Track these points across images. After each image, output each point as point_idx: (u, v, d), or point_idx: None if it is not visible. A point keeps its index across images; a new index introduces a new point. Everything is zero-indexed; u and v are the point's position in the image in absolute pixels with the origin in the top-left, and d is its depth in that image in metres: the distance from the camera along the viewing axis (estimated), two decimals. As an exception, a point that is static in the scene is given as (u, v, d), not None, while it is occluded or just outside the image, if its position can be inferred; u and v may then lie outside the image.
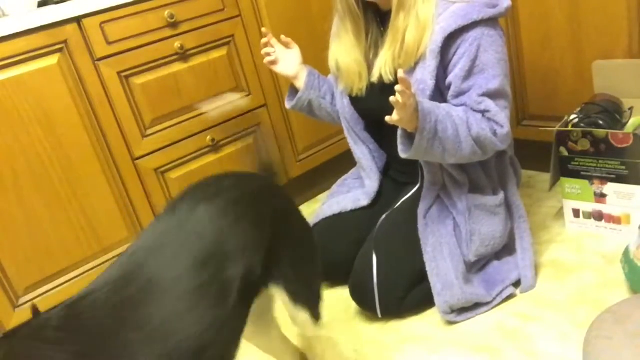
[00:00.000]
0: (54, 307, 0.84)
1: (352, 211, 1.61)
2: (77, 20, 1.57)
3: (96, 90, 1.63)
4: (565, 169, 1.59)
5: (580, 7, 1.62)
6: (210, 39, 1.83)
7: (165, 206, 1.02)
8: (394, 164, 1.60)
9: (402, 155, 1.28)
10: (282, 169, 2.08)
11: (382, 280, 1.41)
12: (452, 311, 1.40)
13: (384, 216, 1.51)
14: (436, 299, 1.39)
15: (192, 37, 1.78)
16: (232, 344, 0.92)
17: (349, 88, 1.48)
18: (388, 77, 1.35)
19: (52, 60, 1.55)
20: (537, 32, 1.74)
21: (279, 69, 1.56)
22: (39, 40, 1.52)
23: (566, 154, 1.57)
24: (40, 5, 1.72)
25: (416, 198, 1.45)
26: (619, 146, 1.46)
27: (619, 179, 1.50)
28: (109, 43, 1.63)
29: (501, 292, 1.43)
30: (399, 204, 1.51)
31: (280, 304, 1.10)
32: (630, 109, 1.55)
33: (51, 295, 1.60)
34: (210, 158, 1.89)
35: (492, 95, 1.29)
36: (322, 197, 2.22)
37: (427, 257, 1.39)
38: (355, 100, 1.51)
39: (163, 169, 1.80)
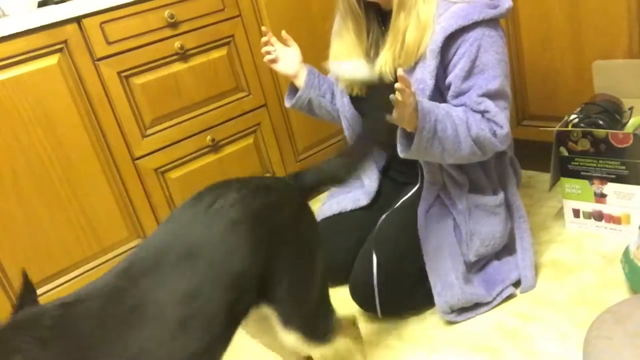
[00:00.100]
0: (53, 301, 0.86)
1: (352, 211, 1.61)
2: (77, 20, 1.57)
3: (96, 90, 1.63)
4: (565, 169, 1.59)
5: (580, 7, 1.62)
6: (210, 39, 1.83)
7: (169, 214, 1.03)
8: (394, 163, 1.60)
9: (401, 154, 1.28)
10: (282, 169, 2.09)
11: (382, 280, 1.41)
12: (452, 311, 1.40)
13: (384, 216, 1.50)
14: (436, 299, 1.39)
15: (192, 37, 1.79)
16: None
17: (349, 87, 1.48)
18: (388, 77, 1.35)
19: (52, 60, 1.55)
20: (537, 32, 1.74)
21: (279, 67, 1.56)
22: (39, 40, 1.52)
23: (566, 154, 1.57)
24: (40, 5, 1.72)
25: (416, 198, 1.45)
26: (619, 146, 1.46)
27: (619, 179, 1.50)
28: (109, 43, 1.63)
29: (501, 292, 1.43)
30: (398, 203, 1.51)
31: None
32: (630, 109, 1.55)
33: (51, 295, 1.60)
34: (210, 158, 1.89)
35: (492, 95, 1.29)
36: (322, 197, 2.22)
37: (427, 257, 1.39)
38: (355, 100, 1.51)
39: (163, 169, 1.80)
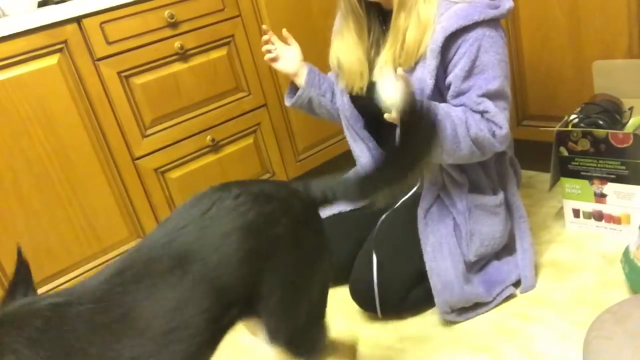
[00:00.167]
0: (47, 294, 0.90)
1: (351, 211, 1.61)
2: (77, 20, 1.57)
3: (96, 90, 1.63)
4: (565, 169, 1.59)
5: (580, 7, 1.62)
6: (210, 39, 1.83)
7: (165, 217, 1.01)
8: (394, 163, 1.60)
9: None
10: (282, 169, 2.09)
11: (382, 280, 1.41)
12: (452, 311, 1.40)
13: (383, 216, 1.51)
14: (436, 299, 1.39)
15: (192, 37, 1.78)
16: None
17: (349, 86, 1.48)
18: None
19: (52, 60, 1.55)
20: (537, 32, 1.74)
21: (279, 66, 1.56)
22: (39, 40, 1.52)
23: (566, 154, 1.57)
24: (40, 5, 1.72)
25: (416, 198, 1.45)
26: (619, 146, 1.46)
27: (619, 179, 1.50)
28: (109, 43, 1.63)
29: (501, 292, 1.43)
30: (398, 204, 1.51)
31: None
32: (630, 109, 1.55)
33: (51, 295, 1.60)
34: (210, 158, 1.89)
35: (492, 96, 1.29)
36: (322, 197, 2.22)
37: (427, 257, 1.39)
38: (355, 99, 1.51)
39: (163, 169, 1.80)
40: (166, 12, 1.71)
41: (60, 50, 1.56)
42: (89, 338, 0.85)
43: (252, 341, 1.23)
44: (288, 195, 1.02)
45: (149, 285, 0.89)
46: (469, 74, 1.28)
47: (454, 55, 1.28)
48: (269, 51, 1.54)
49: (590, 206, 1.59)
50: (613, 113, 1.52)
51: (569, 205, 1.63)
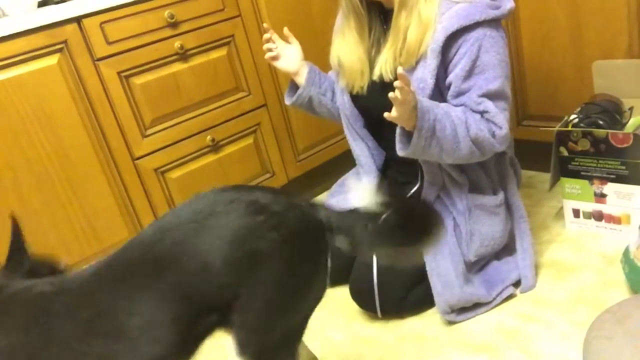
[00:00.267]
0: (42, 280, 0.96)
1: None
2: (77, 20, 1.57)
3: (96, 90, 1.63)
4: (565, 169, 1.59)
5: (580, 7, 1.62)
6: (210, 39, 1.83)
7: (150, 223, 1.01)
8: (393, 163, 1.60)
9: (400, 153, 1.28)
10: (282, 169, 2.09)
11: (382, 280, 1.41)
12: (452, 311, 1.40)
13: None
14: (436, 299, 1.39)
15: (192, 37, 1.79)
16: None
17: (350, 85, 1.48)
18: (389, 76, 1.35)
19: (52, 60, 1.55)
20: (538, 32, 1.74)
21: (280, 64, 1.56)
22: (39, 40, 1.52)
23: (566, 154, 1.57)
24: (40, 5, 1.72)
25: (416, 198, 1.45)
26: (619, 146, 1.46)
27: (619, 179, 1.50)
28: (109, 43, 1.63)
29: (501, 292, 1.43)
30: (399, 204, 1.51)
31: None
32: (630, 109, 1.55)
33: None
34: (210, 158, 1.89)
35: (492, 96, 1.29)
36: (322, 197, 2.22)
37: (427, 257, 1.39)
38: (355, 98, 1.51)
39: (163, 169, 1.80)
40: (166, 12, 1.71)
41: (60, 50, 1.56)
42: (69, 331, 0.89)
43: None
44: (285, 209, 0.95)
45: (128, 286, 0.91)
46: (470, 73, 1.28)
47: (455, 55, 1.28)
48: (269, 50, 1.54)
49: (590, 206, 1.59)
50: (613, 113, 1.52)
51: (569, 205, 1.63)
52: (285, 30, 1.56)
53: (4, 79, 1.49)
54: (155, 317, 0.89)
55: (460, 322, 1.41)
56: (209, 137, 1.86)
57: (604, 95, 1.60)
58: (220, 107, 1.88)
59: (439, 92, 1.33)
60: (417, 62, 1.33)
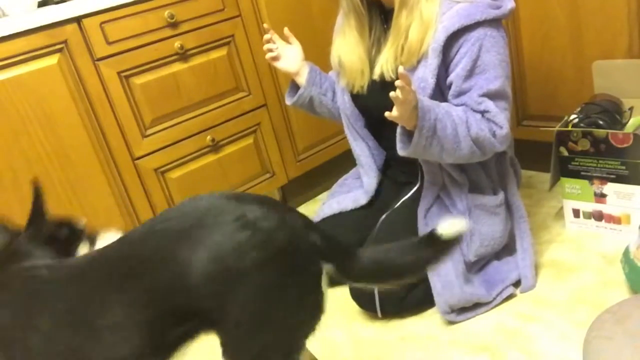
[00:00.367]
0: (45, 263, 1.00)
1: (352, 211, 1.61)
2: (77, 20, 1.57)
3: (96, 90, 1.63)
4: (565, 169, 1.59)
5: (580, 7, 1.62)
6: (210, 39, 1.83)
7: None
8: (393, 163, 1.60)
9: (401, 152, 1.28)
10: (282, 169, 2.09)
11: (382, 280, 1.41)
12: (452, 311, 1.40)
13: (384, 216, 1.51)
14: (436, 299, 1.39)
15: (192, 37, 1.78)
16: None
17: (350, 85, 1.48)
18: (389, 75, 1.35)
19: (52, 60, 1.55)
20: (538, 32, 1.74)
21: (281, 65, 1.56)
22: (39, 40, 1.52)
23: (566, 154, 1.57)
24: (40, 5, 1.72)
25: (416, 198, 1.45)
26: (619, 146, 1.46)
27: (619, 179, 1.50)
28: (109, 43, 1.63)
29: (501, 292, 1.43)
30: (399, 203, 1.51)
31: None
32: (630, 109, 1.55)
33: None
34: (210, 158, 1.89)
35: (493, 96, 1.29)
36: (322, 197, 2.22)
37: (427, 257, 1.39)
38: (356, 97, 1.51)
39: (163, 169, 1.80)
40: (166, 12, 1.71)
41: (60, 50, 1.56)
42: (47, 319, 0.92)
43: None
44: (274, 227, 0.90)
45: (105, 284, 0.92)
46: (470, 73, 1.28)
47: (456, 54, 1.29)
48: (270, 50, 1.54)
49: (590, 206, 1.59)
50: (613, 113, 1.52)
51: (569, 205, 1.63)
52: (286, 30, 1.56)
53: (4, 79, 1.49)
54: (125, 319, 0.90)
55: (460, 322, 1.41)
56: (209, 137, 1.86)
57: (604, 95, 1.60)
58: (220, 107, 1.88)
59: (440, 91, 1.33)
60: (418, 62, 1.33)
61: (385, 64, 1.36)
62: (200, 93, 1.83)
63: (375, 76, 1.40)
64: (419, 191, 1.47)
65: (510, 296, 1.44)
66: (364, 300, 1.47)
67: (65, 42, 1.56)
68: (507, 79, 1.32)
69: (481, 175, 1.41)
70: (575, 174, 1.57)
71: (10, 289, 0.97)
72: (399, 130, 1.27)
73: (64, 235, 1.10)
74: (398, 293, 1.43)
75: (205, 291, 0.87)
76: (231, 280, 0.86)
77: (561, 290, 1.43)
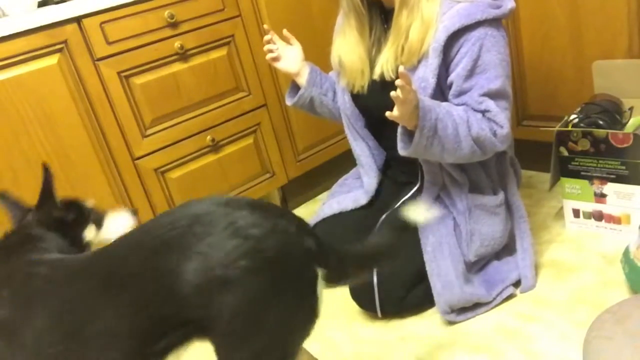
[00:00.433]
0: (49, 257, 1.01)
1: (352, 211, 1.61)
2: (77, 20, 1.57)
3: (96, 90, 1.63)
4: (565, 169, 1.59)
5: (580, 7, 1.62)
6: (210, 39, 1.83)
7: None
8: (394, 163, 1.60)
9: (401, 152, 1.28)
10: (282, 169, 2.09)
11: (382, 280, 1.41)
12: (452, 311, 1.40)
13: (384, 216, 1.51)
14: (436, 299, 1.39)
15: (192, 37, 1.78)
16: None
17: (350, 84, 1.48)
18: (390, 75, 1.35)
19: (52, 60, 1.55)
20: (538, 32, 1.74)
21: (281, 65, 1.56)
22: (39, 40, 1.52)
23: (566, 154, 1.57)
24: (40, 5, 1.72)
25: (416, 198, 1.45)
26: (619, 146, 1.46)
27: (619, 179, 1.50)
28: (109, 43, 1.63)
29: (501, 292, 1.43)
30: (399, 203, 1.51)
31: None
32: (630, 109, 1.55)
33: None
34: (210, 158, 1.89)
35: (493, 95, 1.29)
36: (322, 197, 2.22)
37: (427, 257, 1.39)
38: (356, 97, 1.51)
39: (163, 169, 1.80)
40: (166, 12, 1.71)
41: (60, 50, 1.56)
42: (40, 319, 0.93)
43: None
44: (265, 234, 0.88)
45: (98, 289, 0.92)
46: (471, 73, 1.28)
47: (456, 54, 1.29)
48: (270, 51, 1.54)
49: (590, 206, 1.59)
50: (613, 113, 1.52)
51: (569, 205, 1.63)
52: (285, 32, 1.56)
53: (4, 79, 1.49)
54: (115, 325, 0.90)
55: (460, 322, 1.41)
56: (209, 137, 1.86)
57: (604, 95, 1.60)
58: (220, 107, 1.88)
59: (441, 91, 1.33)
60: (418, 62, 1.33)
61: (385, 64, 1.36)
62: (200, 93, 1.83)
63: (376, 76, 1.40)
64: (419, 191, 1.47)
65: (510, 296, 1.44)
66: (364, 300, 1.47)
67: (65, 42, 1.56)
68: (507, 79, 1.32)
69: (481, 175, 1.41)
70: (575, 174, 1.57)
71: (12, 284, 0.98)
72: (400, 130, 1.27)
73: (72, 219, 1.13)
74: (398, 293, 1.43)
75: (195, 301, 0.86)
76: (220, 290, 0.85)
77: (561, 290, 1.43)
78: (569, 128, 1.54)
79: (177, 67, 1.78)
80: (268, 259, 0.87)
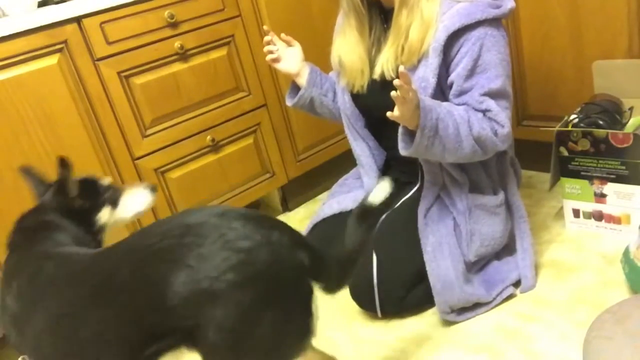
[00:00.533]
0: (63, 250, 1.05)
1: (352, 211, 1.60)
2: (77, 20, 1.57)
3: (96, 90, 1.63)
4: (565, 169, 1.59)
5: (580, 7, 1.62)
6: (210, 39, 1.83)
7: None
8: (394, 163, 1.60)
9: (402, 152, 1.28)
10: (282, 169, 2.09)
11: (382, 280, 1.41)
12: (452, 311, 1.40)
13: (383, 216, 1.50)
14: (436, 299, 1.39)
15: (192, 37, 1.78)
16: None
17: (350, 84, 1.48)
18: (390, 74, 1.35)
19: (52, 60, 1.55)
20: (538, 32, 1.74)
21: (281, 66, 1.56)
22: (39, 40, 1.52)
23: (566, 154, 1.57)
24: (40, 5, 1.72)
25: (416, 198, 1.45)
26: (619, 146, 1.46)
27: (619, 179, 1.50)
28: (109, 43, 1.63)
29: (501, 292, 1.43)
30: (399, 203, 1.51)
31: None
32: (630, 109, 1.55)
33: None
34: (210, 158, 1.89)
35: (494, 95, 1.29)
36: (322, 197, 2.22)
37: (427, 257, 1.39)
38: (356, 97, 1.51)
39: (163, 169, 1.80)
40: (166, 12, 1.71)
41: (60, 50, 1.56)
42: (39, 318, 0.95)
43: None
44: (254, 247, 0.87)
45: (93, 295, 0.93)
46: (472, 73, 1.28)
47: (457, 54, 1.29)
48: (270, 52, 1.54)
49: (590, 206, 1.59)
50: (613, 113, 1.52)
51: (569, 205, 1.63)
52: (283, 36, 1.56)
53: (4, 79, 1.49)
54: (104, 331, 0.91)
55: (460, 322, 1.41)
56: (209, 137, 1.86)
57: (604, 95, 1.60)
58: (220, 107, 1.88)
59: (441, 91, 1.33)
60: (418, 61, 1.33)
61: (385, 63, 1.36)
62: (200, 93, 1.83)
63: (376, 75, 1.40)
64: (419, 191, 1.47)
65: (510, 296, 1.44)
66: (364, 300, 1.47)
67: (65, 42, 1.56)
68: (507, 78, 1.32)
69: (481, 175, 1.41)
70: (575, 174, 1.57)
71: (21, 276, 1.01)
72: (400, 130, 1.27)
73: (91, 194, 1.16)
74: (398, 293, 1.43)
75: (182, 312, 0.86)
76: (208, 303, 0.84)
77: (561, 290, 1.43)
78: (569, 128, 1.54)
79: (177, 67, 1.78)
80: (257, 273, 0.86)
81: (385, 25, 1.43)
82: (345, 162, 1.91)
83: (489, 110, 1.28)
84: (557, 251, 1.58)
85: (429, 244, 1.40)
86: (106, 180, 1.21)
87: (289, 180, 2.11)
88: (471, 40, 1.27)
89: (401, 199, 1.51)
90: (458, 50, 1.28)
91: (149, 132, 1.75)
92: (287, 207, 2.20)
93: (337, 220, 1.61)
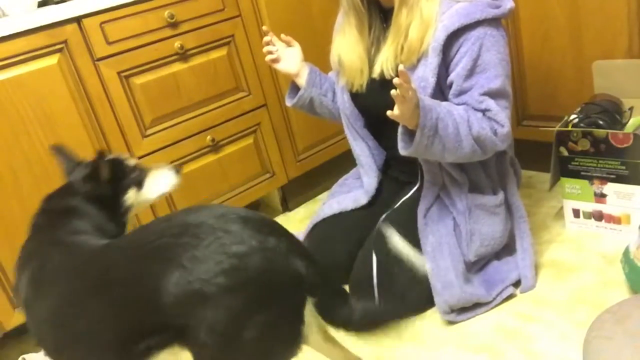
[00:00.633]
0: (74, 240, 1.07)
1: (352, 211, 1.61)
2: (77, 20, 1.57)
3: (96, 90, 1.63)
4: (565, 169, 1.59)
5: (580, 7, 1.62)
6: (210, 39, 1.83)
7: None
8: (394, 162, 1.60)
9: (402, 152, 1.28)
10: (282, 169, 2.09)
11: (382, 280, 1.41)
12: (452, 311, 1.40)
13: (384, 216, 1.50)
14: (436, 299, 1.39)
15: (192, 37, 1.78)
16: None
17: (349, 83, 1.48)
18: (389, 73, 1.35)
19: (52, 60, 1.55)
20: (537, 32, 1.74)
21: (281, 66, 1.56)
22: (39, 40, 1.52)
23: (566, 154, 1.57)
24: (40, 5, 1.72)
25: (416, 198, 1.45)
26: (619, 146, 1.46)
27: (619, 179, 1.50)
28: (109, 43, 1.63)
29: (501, 292, 1.43)
30: (399, 203, 1.51)
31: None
32: (630, 109, 1.55)
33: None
34: (210, 158, 1.89)
35: (493, 94, 1.29)
36: (322, 197, 2.22)
37: (427, 257, 1.39)
38: (355, 96, 1.51)
39: (163, 169, 1.80)
40: (166, 12, 1.71)
41: (60, 50, 1.56)
42: (47, 306, 0.98)
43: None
44: (248, 252, 0.87)
45: (92, 288, 0.95)
46: (471, 72, 1.28)
47: (456, 53, 1.29)
48: (270, 52, 1.54)
49: (590, 206, 1.59)
50: (613, 113, 1.52)
51: (569, 205, 1.63)
52: (283, 36, 1.56)
53: (4, 79, 1.49)
54: (97, 324, 0.92)
55: (460, 322, 1.41)
56: (209, 137, 1.86)
57: (604, 95, 1.60)
58: (220, 107, 1.88)
59: (440, 90, 1.33)
60: (418, 61, 1.33)
61: (385, 63, 1.36)
62: (200, 93, 1.83)
63: (375, 75, 1.40)
64: (419, 191, 1.47)
65: (510, 296, 1.44)
66: (363, 300, 1.47)
67: (65, 42, 1.56)
68: (507, 78, 1.32)
69: (481, 175, 1.41)
70: (575, 174, 1.57)
71: (33, 262, 1.04)
72: (400, 129, 1.27)
73: (116, 188, 1.16)
74: (398, 292, 1.43)
75: (174, 311, 0.87)
76: (199, 304, 0.85)
77: (561, 290, 1.43)
78: (569, 128, 1.54)
79: (177, 67, 1.78)
80: (248, 278, 0.86)
81: (384, 25, 1.43)
82: (345, 162, 1.91)
83: (488, 110, 1.29)
84: (557, 251, 1.58)
85: (429, 244, 1.40)
86: (132, 161, 1.21)
87: (289, 180, 2.11)
88: (471, 40, 1.27)
89: (401, 198, 1.51)
90: (457, 50, 1.28)
91: (149, 132, 1.75)
92: (287, 207, 2.20)
93: (337, 220, 1.61)
